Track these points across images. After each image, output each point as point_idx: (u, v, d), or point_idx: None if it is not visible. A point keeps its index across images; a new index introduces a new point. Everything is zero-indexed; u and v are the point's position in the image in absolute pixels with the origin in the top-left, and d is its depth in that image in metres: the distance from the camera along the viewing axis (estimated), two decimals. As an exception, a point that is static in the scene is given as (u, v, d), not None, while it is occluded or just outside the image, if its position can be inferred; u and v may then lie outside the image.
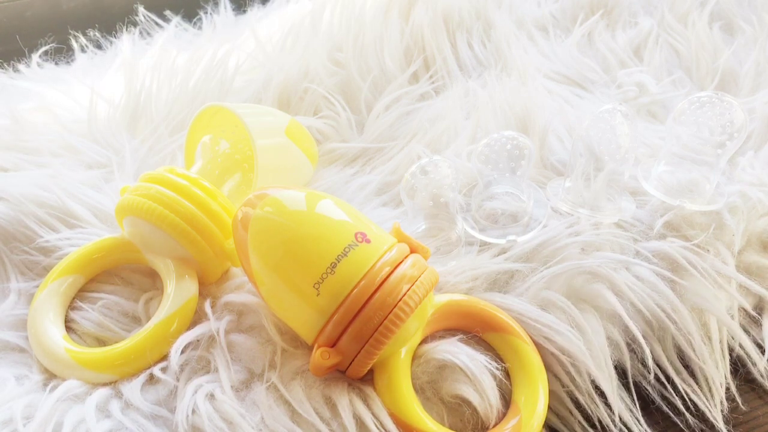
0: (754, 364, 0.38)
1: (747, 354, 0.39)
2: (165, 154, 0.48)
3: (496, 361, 0.35)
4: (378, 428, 0.32)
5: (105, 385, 0.34)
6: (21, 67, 0.56)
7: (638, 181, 0.43)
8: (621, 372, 0.37)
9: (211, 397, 0.33)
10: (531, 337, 0.36)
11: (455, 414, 0.34)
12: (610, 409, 0.35)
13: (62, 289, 0.38)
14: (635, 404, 0.36)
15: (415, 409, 0.32)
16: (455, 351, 0.34)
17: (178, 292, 0.37)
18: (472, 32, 0.59)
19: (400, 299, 0.32)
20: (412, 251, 0.34)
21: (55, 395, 0.33)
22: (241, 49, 0.57)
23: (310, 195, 0.35)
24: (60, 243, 0.40)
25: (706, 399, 0.37)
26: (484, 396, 0.34)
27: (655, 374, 0.37)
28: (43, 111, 0.51)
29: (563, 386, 0.36)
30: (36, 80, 0.55)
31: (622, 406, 0.36)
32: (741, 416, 0.37)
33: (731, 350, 0.39)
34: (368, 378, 0.34)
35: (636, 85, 0.53)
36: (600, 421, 0.36)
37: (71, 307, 0.38)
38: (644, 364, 0.37)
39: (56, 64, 0.58)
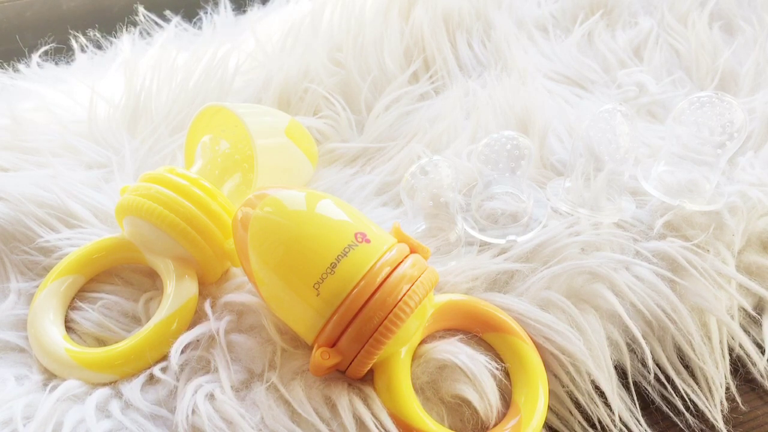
0: (754, 364, 0.38)
1: (747, 354, 0.39)
2: (165, 154, 0.48)
3: (496, 361, 0.35)
4: (378, 428, 0.32)
5: (105, 385, 0.34)
6: (21, 67, 0.56)
7: (638, 181, 0.43)
8: (621, 372, 0.37)
9: (211, 397, 0.33)
10: (531, 337, 0.36)
11: (455, 414, 0.34)
12: (610, 409, 0.35)
13: (62, 289, 0.38)
14: (635, 404, 0.36)
15: (415, 409, 0.32)
16: (455, 351, 0.34)
17: (178, 292, 0.37)
18: (472, 32, 0.59)
19: (400, 299, 0.31)
20: (412, 251, 0.34)
21: (55, 395, 0.33)
22: (241, 49, 0.57)
23: (310, 195, 0.35)
24: (60, 243, 0.40)
25: (706, 399, 0.37)
26: (484, 396, 0.34)
27: (655, 374, 0.37)
28: (43, 111, 0.51)
29: (563, 386, 0.36)
30: (36, 80, 0.55)
31: (622, 406, 0.36)
32: (741, 416, 0.37)
33: (731, 350, 0.39)
34: (368, 378, 0.34)
35: (636, 85, 0.53)
36: (600, 421, 0.36)
37: (71, 307, 0.38)
38: (644, 364, 0.37)
39: (56, 64, 0.58)
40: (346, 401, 0.33)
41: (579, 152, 0.42)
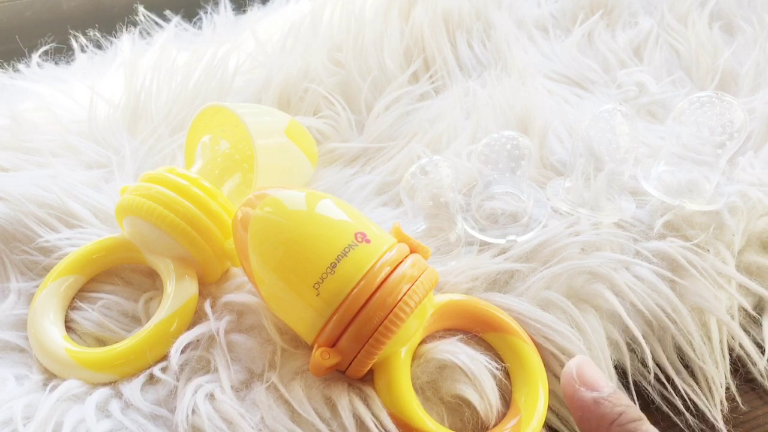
0: (754, 364, 0.38)
1: (747, 354, 0.39)
2: (165, 154, 0.48)
3: (496, 361, 0.35)
4: (378, 428, 0.32)
5: (105, 385, 0.34)
6: (21, 67, 0.56)
7: (638, 181, 0.43)
8: (621, 372, 0.37)
9: (211, 397, 0.33)
10: (531, 337, 0.36)
11: (455, 414, 0.34)
12: (610, 409, 0.35)
13: (62, 289, 0.38)
14: (635, 404, 0.36)
15: (415, 409, 0.32)
16: (455, 351, 0.34)
17: (178, 292, 0.37)
18: (472, 32, 0.59)
19: (400, 299, 0.31)
20: (412, 251, 0.34)
21: (55, 395, 0.33)
22: (241, 49, 0.57)
23: (310, 195, 0.35)
24: (60, 243, 0.40)
25: (706, 399, 0.37)
26: (484, 396, 0.34)
27: (655, 374, 0.37)
28: (43, 111, 0.51)
29: (563, 386, 0.36)
30: (36, 80, 0.55)
31: (622, 406, 0.36)
32: (741, 416, 0.37)
33: (731, 350, 0.39)
34: (368, 378, 0.34)
35: (636, 85, 0.53)
36: (600, 421, 0.36)
37: (71, 307, 0.38)
38: (644, 364, 0.37)
39: (56, 64, 0.58)
40: (346, 401, 0.33)
41: (579, 152, 0.42)
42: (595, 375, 0.31)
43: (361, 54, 0.55)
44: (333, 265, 0.32)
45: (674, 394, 0.37)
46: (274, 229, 0.33)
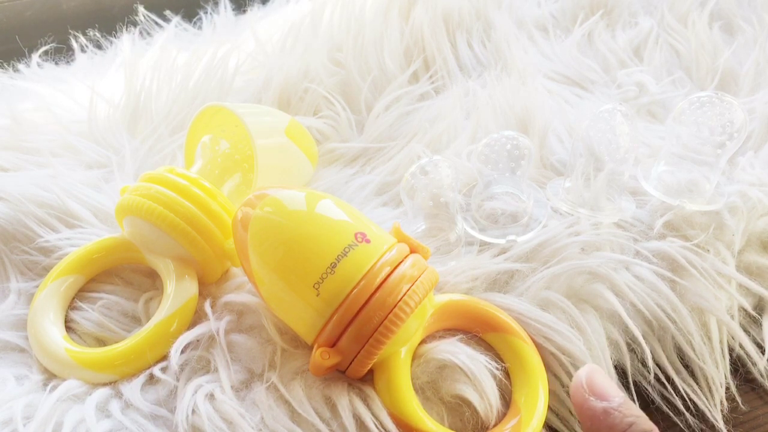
0: (754, 364, 0.38)
1: (747, 354, 0.39)
2: (165, 154, 0.48)
3: (496, 361, 0.35)
4: (378, 428, 0.32)
5: (105, 385, 0.34)
6: (21, 67, 0.56)
7: (638, 181, 0.43)
8: (621, 372, 0.37)
9: (211, 397, 0.33)
10: (531, 337, 0.36)
11: (455, 414, 0.34)
12: (610, 409, 0.35)
13: (62, 289, 0.38)
14: (635, 404, 0.36)
15: (415, 409, 0.32)
16: (455, 351, 0.34)
17: (178, 292, 0.37)
18: (472, 32, 0.59)
19: (400, 299, 0.31)
20: (412, 251, 0.34)
21: (55, 395, 0.33)
22: (241, 49, 0.57)
23: (310, 195, 0.35)
24: (60, 243, 0.40)
25: (706, 399, 0.37)
26: (484, 396, 0.34)
27: (655, 374, 0.37)
28: (43, 111, 0.51)
29: (563, 386, 0.36)
30: (36, 80, 0.55)
31: (622, 406, 0.36)
32: (741, 416, 0.37)
33: (731, 350, 0.39)
34: (368, 378, 0.34)
35: (636, 85, 0.53)
36: (600, 421, 0.36)
37: (71, 307, 0.38)
38: (644, 364, 0.37)
39: (56, 64, 0.58)
40: (346, 401, 0.33)
41: (579, 152, 0.42)
42: (605, 384, 0.30)
43: (361, 54, 0.55)
44: (333, 265, 0.32)
45: (674, 394, 0.37)
46: (274, 229, 0.33)
